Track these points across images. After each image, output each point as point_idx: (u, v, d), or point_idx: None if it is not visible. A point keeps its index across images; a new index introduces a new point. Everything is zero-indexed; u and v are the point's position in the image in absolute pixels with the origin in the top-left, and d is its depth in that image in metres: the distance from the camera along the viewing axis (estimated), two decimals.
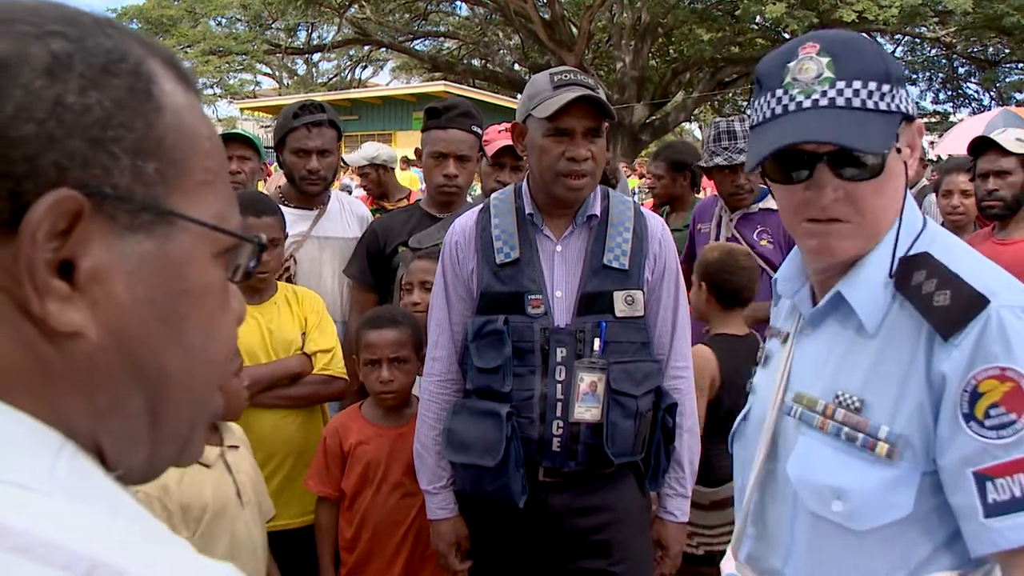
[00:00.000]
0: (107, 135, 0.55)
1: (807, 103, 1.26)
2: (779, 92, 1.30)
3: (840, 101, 1.25)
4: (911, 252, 1.32)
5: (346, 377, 2.87)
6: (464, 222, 2.36)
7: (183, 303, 0.59)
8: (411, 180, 10.88)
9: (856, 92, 1.25)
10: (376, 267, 3.11)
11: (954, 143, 9.13)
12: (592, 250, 2.25)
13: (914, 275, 1.29)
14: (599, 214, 2.29)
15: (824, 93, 1.26)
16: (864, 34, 1.36)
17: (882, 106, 1.26)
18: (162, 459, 0.63)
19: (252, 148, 4.03)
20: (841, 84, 1.25)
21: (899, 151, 1.29)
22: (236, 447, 2.30)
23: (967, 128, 9.22)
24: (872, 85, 1.26)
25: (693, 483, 2.42)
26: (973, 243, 3.85)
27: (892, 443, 1.25)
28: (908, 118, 1.31)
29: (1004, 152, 3.64)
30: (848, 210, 1.28)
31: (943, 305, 1.23)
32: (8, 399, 0.53)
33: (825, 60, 1.27)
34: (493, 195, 2.42)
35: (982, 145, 3.73)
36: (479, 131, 3.18)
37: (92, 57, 0.56)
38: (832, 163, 1.27)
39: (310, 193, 3.18)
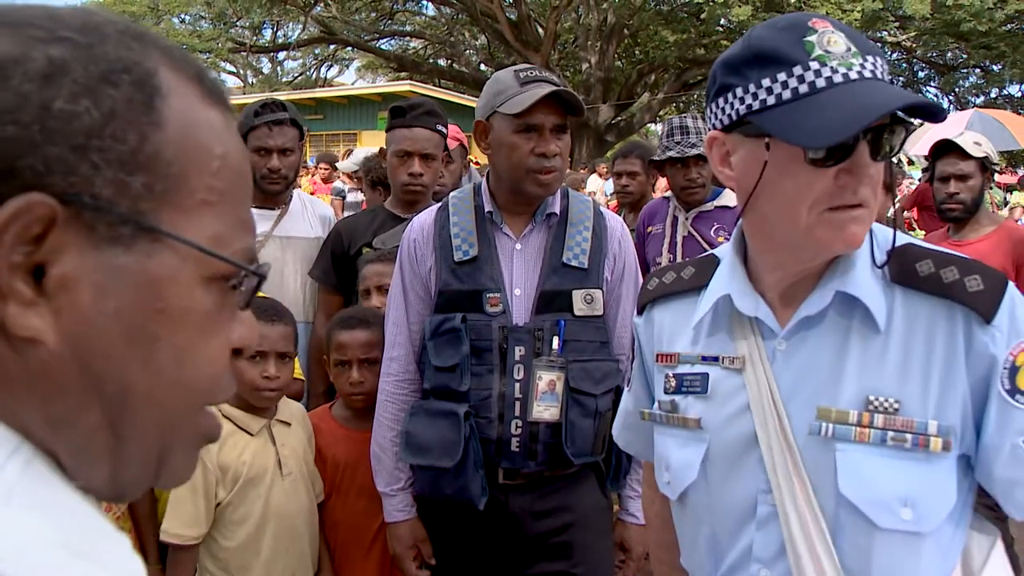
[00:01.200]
0: (92, 144, 0.54)
1: (853, 75, 1.17)
2: (813, 64, 1.17)
3: (879, 74, 1.19)
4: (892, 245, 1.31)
5: (302, 378, 2.84)
6: (422, 220, 2.35)
7: (157, 323, 0.58)
8: None
9: (883, 69, 1.20)
10: (341, 268, 3.08)
11: (929, 143, 9.24)
12: (552, 248, 2.25)
13: (918, 266, 1.27)
14: (559, 212, 2.29)
15: (863, 66, 1.18)
16: None
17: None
18: (132, 479, 0.61)
19: None
20: (869, 59, 1.19)
21: None
22: (288, 424, 2.43)
23: (942, 129, 9.35)
24: (884, 63, 1.22)
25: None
26: (927, 243, 3.94)
27: (945, 435, 1.23)
28: None
29: (964, 155, 3.71)
30: (869, 194, 1.21)
31: (979, 290, 1.23)
32: None
33: (842, 35, 1.20)
34: (452, 193, 2.41)
35: (942, 148, 3.79)
36: (444, 130, 3.17)
37: (92, 65, 0.55)
38: (872, 143, 1.19)
39: (271, 192, 3.14)
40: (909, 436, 1.24)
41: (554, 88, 2.14)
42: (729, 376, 1.39)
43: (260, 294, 2.80)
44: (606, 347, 2.27)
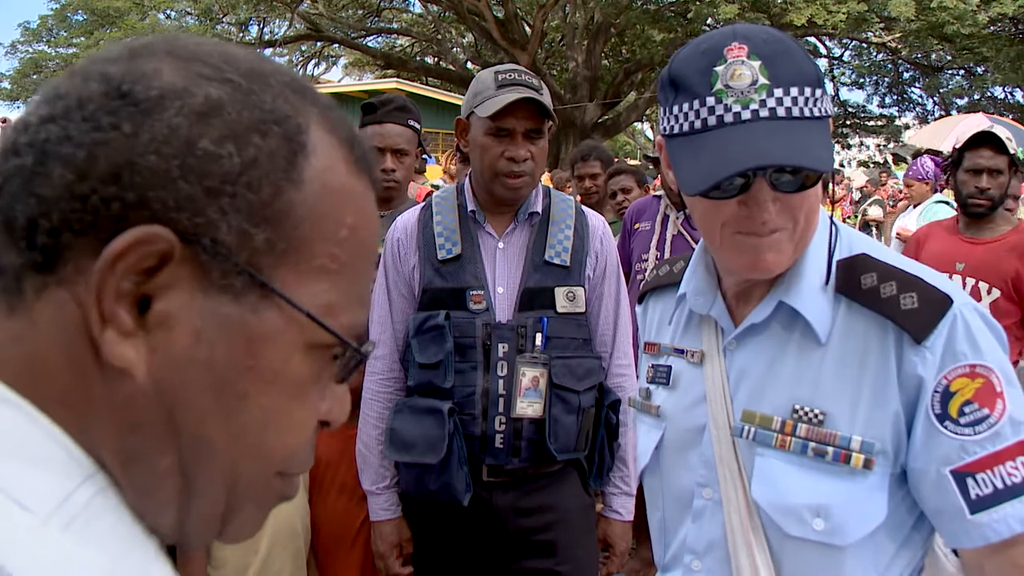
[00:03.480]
0: (226, 189, 0.54)
1: (746, 114, 1.15)
2: (710, 100, 1.17)
3: (780, 111, 1.16)
4: (842, 255, 1.30)
5: None
6: (406, 219, 2.36)
7: (248, 380, 0.57)
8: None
9: (795, 100, 1.16)
10: None
11: (932, 137, 9.19)
12: (534, 247, 2.26)
13: (862, 279, 1.26)
14: (540, 211, 2.31)
15: (763, 103, 1.15)
16: (789, 35, 1.24)
17: (816, 112, 1.18)
18: (195, 531, 0.60)
19: None
20: (779, 92, 1.16)
21: None
22: None
23: (945, 127, 9.30)
24: (808, 91, 1.17)
25: (638, 481, 2.41)
26: (932, 234, 3.71)
27: (868, 453, 1.21)
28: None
29: (999, 150, 3.55)
30: (784, 220, 1.21)
31: (912, 308, 1.20)
32: (48, 411, 0.53)
33: (756, 64, 1.16)
34: (435, 193, 2.43)
35: (977, 139, 3.60)
36: (416, 125, 3.16)
37: (247, 111, 0.56)
38: (771, 177, 1.18)
39: None
40: (830, 449, 1.23)
41: (524, 94, 2.14)
42: (691, 369, 1.43)
43: None
44: (588, 344, 2.29)
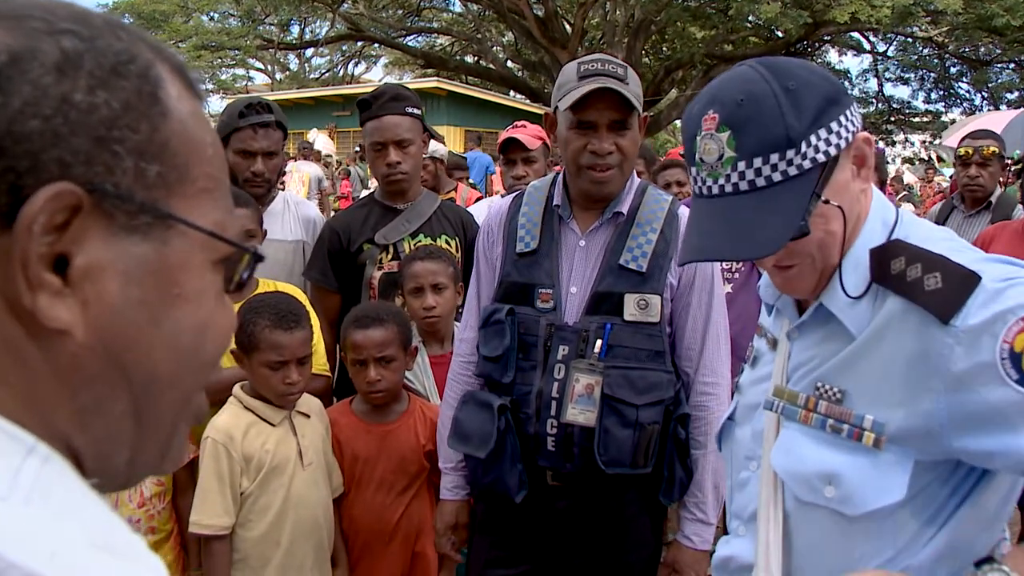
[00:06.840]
0: (112, 135, 0.55)
1: (715, 188, 1.25)
2: (693, 171, 1.29)
3: (743, 185, 1.22)
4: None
5: (328, 375, 2.85)
6: (499, 207, 2.37)
7: (177, 307, 0.59)
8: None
9: (758, 171, 1.21)
10: (340, 267, 3.01)
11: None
12: (612, 248, 2.18)
13: (891, 264, 1.25)
14: (626, 212, 2.21)
15: (728, 178, 1.23)
16: (786, 58, 1.23)
17: (791, 172, 1.20)
18: (143, 463, 0.62)
19: None
20: (742, 165, 1.21)
21: (827, 201, 1.24)
22: (307, 416, 2.46)
23: (984, 123, 9.02)
24: (774, 157, 1.20)
25: (719, 511, 2.26)
26: (998, 236, 3.59)
27: (878, 432, 1.22)
28: (836, 155, 1.24)
29: None
30: (796, 258, 1.29)
31: (935, 288, 1.17)
32: None
33: (725, 136, 1.22)
34: (532, 183, 2.40)
35: None
36: (415, 111, 3.05)
37: (102, 57, 0.56)
38: None
39: (252, 195, 3.00)
40: (845, 427, 1.28)
41: (602, 84, 2.06)
42: (767, 351, 1.51)
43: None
44: (660, 357, 2.16)
